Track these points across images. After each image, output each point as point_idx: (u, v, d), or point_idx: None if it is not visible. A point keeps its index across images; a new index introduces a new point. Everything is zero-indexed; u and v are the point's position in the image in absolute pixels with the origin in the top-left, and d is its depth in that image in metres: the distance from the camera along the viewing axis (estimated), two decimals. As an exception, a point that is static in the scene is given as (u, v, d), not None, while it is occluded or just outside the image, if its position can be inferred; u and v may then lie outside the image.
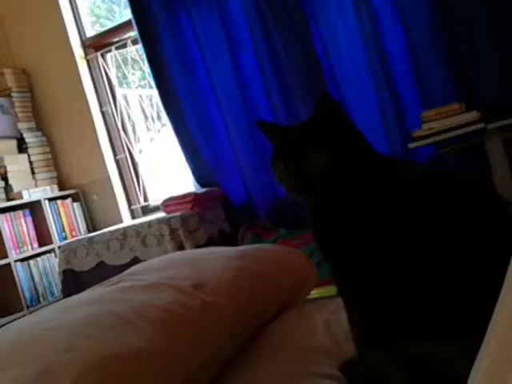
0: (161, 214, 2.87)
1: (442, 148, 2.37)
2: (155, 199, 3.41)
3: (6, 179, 3.16)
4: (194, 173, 3.04)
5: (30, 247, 3.16)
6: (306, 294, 1.40)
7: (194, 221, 2.75)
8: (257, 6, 2.67)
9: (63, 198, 3.38)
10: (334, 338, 1.01)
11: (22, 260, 3.09)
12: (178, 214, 2.69)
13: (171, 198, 2.82)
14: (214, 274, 1.05)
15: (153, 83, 3.07)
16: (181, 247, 2.60)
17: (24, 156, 3.31)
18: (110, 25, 3.52)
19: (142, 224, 2.72)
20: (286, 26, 2.64)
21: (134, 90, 3.63)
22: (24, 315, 2.78)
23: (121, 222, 3.35)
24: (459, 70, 2.41)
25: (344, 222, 0.77)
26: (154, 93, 3.21)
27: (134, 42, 3.29)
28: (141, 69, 3.54)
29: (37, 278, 3.15)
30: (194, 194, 2.80)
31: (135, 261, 2.53)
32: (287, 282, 1.24)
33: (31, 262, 3.14)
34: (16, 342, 0.83)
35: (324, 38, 2.63)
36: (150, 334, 0.85)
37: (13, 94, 3.33)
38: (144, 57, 3.04)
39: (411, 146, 2.31)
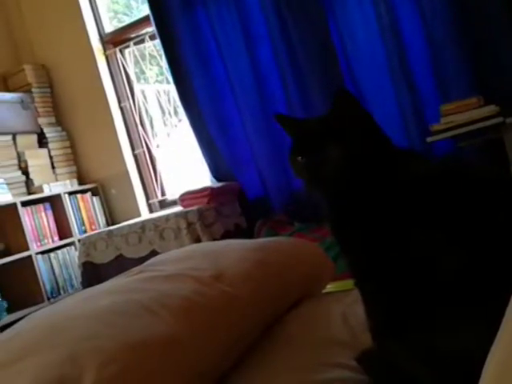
0: (178, 208, 2.90)
1: (460, 142, 2.36)
2: (172, 193, 3.44)
3: (27, 173, 3.22)
4: (210, 167, 3.06)
5: (50, 240, 3.22)
6: (323, 287, 1.42)
7: (210, 215, 2.77)
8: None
9: (83, 191, 3.43)
10: (351, 330, 1.02)
11: (43, 253, 3.14)
12: (194, 208, 2.72)
13: (188, 193, 2.84)
14: (232, 265, 1.07)
15: (170, 78, 3.09)
16: (197, 241, 2.63)
17: (44, 151, 3.37)
18: (127, 20, 3.55)
19: (159, 218, 2.75)
20: (303, 20, 2.64)
21: (152, 85, 3.66)
22: (45, 307, 2.84)
23: (139, 215, 3.39)
24: (478, 63, 2.39)
25: (361, 216, 0.78)
26: (172, 88, 3.23)
27: (152, 38, 3.31)
28: (158, 64, 3.56)
29: (57, 271, 3.21)
30: (211, 189, 2.83)
31: (153, 254, 2.56)
32: (303, 274, 1.26)
33: (52, 254, 3.19)
34: (44, 329, 0.86)
35: (341, 30, 2.62)
36: (171, 322, 0.88)
37: (33, 90, 3.39)
38: (161, 52, 3.07)
39: (429, 139, 2.30)
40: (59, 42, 3.47)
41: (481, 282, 0.67)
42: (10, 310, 2.95)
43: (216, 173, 3.05)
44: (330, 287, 1.51)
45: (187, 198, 2.83)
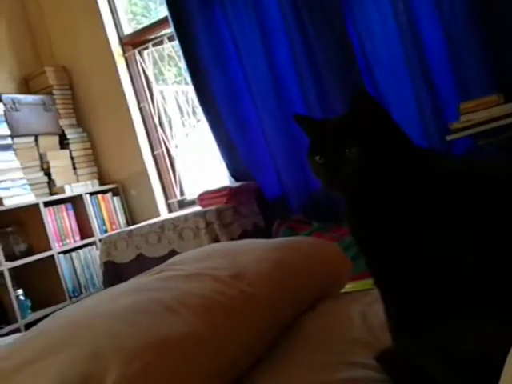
0: (197, 208, 2.93)
1: (480, 140, 2.33)
2: (191, 193, 3.47)
3: (49, 174, 3.28)
4: (228, 167, 3.08)
5: (72, 240, 3.27)
6: (341, 287, 1.42)
7: (228, 214, 2.78)
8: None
9: (104, 192, 3.48)
10: (370, 329, 1.02)
11: (65, 252, 3.20)
12: (213, 207, 2.73)
13: (207, 192, 2.86)
14: (251, 264, 1.08)
15: (188, 79, 3.12)
16: (216, 240, 2.65)
17: (66, 152, 3.42)
18: (146, 22, 3.59)
19: (178, 217, 2.78)
20: (321, 19, 2.64)
21: (170, 86, 3.70)
22: (66, 305, 2.88)
23: (158, 215, 3.42)
24: (497, 60, 2.35)
25: (380, 215, 0.78)
26: (190, 88, 3.26)
27: (170, 39, 3.34)
28: (176, 65, 3.60)
29: (79, 270, 3.25)
30: (229, 188, 2.84)
31: (172, 253, 2.59)
32: (322, 273, 1.26)
33: (73, 254, 3.24)
34: (67, 327, 0.88)
35: (359, 29, 2.61)
36: (191, 320, 0.89)
37: (54, 92, 3.44)
38: (180, 53, 3.09)
39: (449, 138, 2.28)
40: (79, 45, 3.53)
41: (502, 281, 0.67)
42: (33, 309, 3.00)
43: (234, 172, 3.06)
44: (348, 287, 1.51)
45: (206, 197, 2.85)
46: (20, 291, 2.93)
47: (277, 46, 2.80)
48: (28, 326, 2.73)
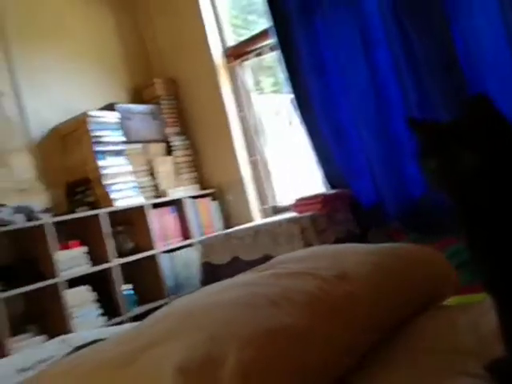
0: (290, 214, 2.98)
1: None
2: (285, 199, 3.55)
3: (155, 178, 3.52)
4: (324, 174, 3.10)
5: (174, 240, 3.47)
6: (446, 296, 1.37)
7: (322, 221, 2.80)
8: (393, 4, 2.65)
9: (203, 196, 3.66)
10: (479, 339, 0.99)
11: (167, 252, 3.40)
12: (307, 214, 2.77)
13: (302, 199, 2.91)
14: (353, 267, 1.11)
15: (286, 88, 3.19)
16: (309, 246, 2.68)
17: (170, 158, 3.65)
18: (245, 33, 3.74)
19: (273, 223, 2.85)
20: (424, 25, 2.57)
21: (268, 94, 3.82)
22: (166, 303, 3.06)
23: (252, 220, 3.54)
24: None
25: (498, 222, 0.76)
26: (286, 97, 3.34)
27: (269, 50, 3.46)
28: (273, 74, 3.71)
29: (178, 269, 3.44)
30: (324, 195, 2.87)
31: (266, 257, 2.66)
32: (424, 279, 1.24)
33: (174, 254, 3.44)
34: (183, 315, 0.96)
35: (465, 37, 2.51)
36: (294, 314, 0.94)
37: (161, 101, 3.70)
38: (278, 63, 3.18)
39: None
40: (185, 57, 3.75)
41: None
42: (137, 303, 3.22)
43: (330, 179, 3.08)
44: (452, 300, 1.44)
45: (300, 204, 2.90)
46: (128, 286, 3.16)
47: (377, 52, 2.77)
48: (134, 320, 2.93)
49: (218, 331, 0.86)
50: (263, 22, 3.32)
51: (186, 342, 0.85)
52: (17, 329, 2.62)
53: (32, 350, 1.90)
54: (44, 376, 1.00)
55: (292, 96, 3.12)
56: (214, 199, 3.70)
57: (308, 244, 2.68)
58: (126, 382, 0.82)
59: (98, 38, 3.68)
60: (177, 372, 0.76)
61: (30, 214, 2.71)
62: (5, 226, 2.60)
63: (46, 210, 2.84)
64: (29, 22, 3.27)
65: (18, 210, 2.68)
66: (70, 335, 1.99)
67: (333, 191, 2.98)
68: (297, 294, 0.98)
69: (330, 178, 3.08)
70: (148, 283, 3.30)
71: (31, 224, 2.72)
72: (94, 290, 2.96)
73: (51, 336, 2.42)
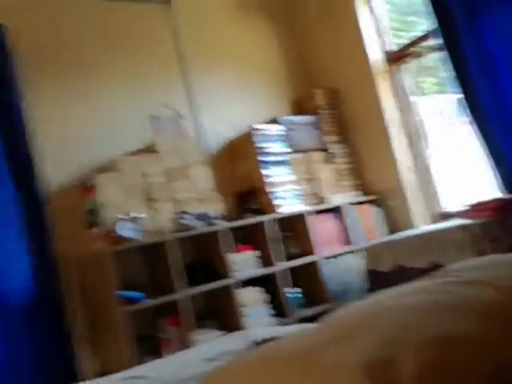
0: (459, 221, 2.85)
1: None
2: (451, 205, 3.39)
3: (315, 186, 3.63)
4: (500, 179, 2.90)
5: (335, 246, 3.54)
6: None
7: (496, 229, 2.63)
8: None
9: (365, 202, 3.67)
10: None
11: (328, 258, 3.47)
12: (478, 220, 2.62)
13: (476, 204, 2.76)
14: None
15: (450, 88, 3.06)
16: (481, 255, 2.53)
17: (330, 166, 3.74)
18: (404, 35, 3.66)
19: (440, 229, 2.75)
20: None
21: (428, 96, 3.69)
22: (329, 308, 3.12)
23: (417, 226, 3.44)
24: None
25: None
26: (448, 99, 3.20)
27: (431, 50, 3.35)
28: (434, 75, 3.57)
29: (340, 275, 3.49)
30: (501, 201, 2.69)
31: (433, 265, 2.58)
32: None
33: (335, 259, 3.50)
34: (364, 315, 1.02)
35: None
36: (472, 322, 0.94)
37: (321, 111, 3.81)
38: (441, 63, 3.07)
39: None
40: (344, 66, 3.81)
41: None
42: (304, 306, 3.33)
43: (506, 185, 2.87)
44: None
45: (474, 209, 2.75)
46: (293, 289, 3.30)
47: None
48: (299, 322, 3.06)
49: (392, 334, 0.90)
50: (423, 23, 3.24)
51: (360, 343, 0.90)
52: (198, 323, 2.93)
53: (215, 342, 2.12)
54: (233, 367, 1.12)
55: (460, 96, 2.99)
56: (376, 205, 3.69)
57: (480, 253, 2.54)
58: (307, 375, 0.91)
59: (264, 55, 3.94)
60: (359, 369, 0.82)
61: (208, 221, 3.02)
62: (189, 230, 2.94)
63: (221, 217, 3.14)
64: (204, 47, 3.63)
65: (199, 217, 3.01)
66: (247, 331, 2.17)
67: (510, 196, 2.77)
68: (473, 302, 0.98)
69: (507, 183, 2.86)
70: (312, 287, 3.41)
71: (209, 229, 3.03)
72: (266, 291, 3.15)
73: (228, 331, 2.65)
